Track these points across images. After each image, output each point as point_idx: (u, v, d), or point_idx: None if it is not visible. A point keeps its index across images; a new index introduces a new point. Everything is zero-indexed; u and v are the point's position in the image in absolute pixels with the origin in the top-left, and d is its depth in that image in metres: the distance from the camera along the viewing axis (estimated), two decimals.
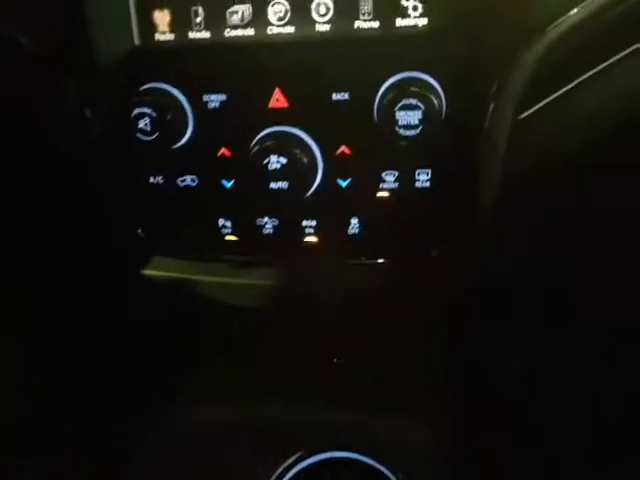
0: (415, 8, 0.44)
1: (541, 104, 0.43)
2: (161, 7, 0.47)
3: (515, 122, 0.43)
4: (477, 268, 0.49)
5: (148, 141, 0.46)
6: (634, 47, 0.42)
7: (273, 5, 0.46)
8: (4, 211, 0.56)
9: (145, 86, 0.47)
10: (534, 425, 0.55)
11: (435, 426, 0.54)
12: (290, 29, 0.46)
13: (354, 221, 0.50)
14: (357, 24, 0.45)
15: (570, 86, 0.43)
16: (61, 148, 0.50)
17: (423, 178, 0.46)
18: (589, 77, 0.43)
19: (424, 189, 0.46)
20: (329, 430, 0.52)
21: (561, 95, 0.44)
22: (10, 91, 0.49)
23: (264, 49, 0.46)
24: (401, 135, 0.42)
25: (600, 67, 0.43)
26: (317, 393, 0.57)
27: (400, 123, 0.42)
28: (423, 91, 0.42)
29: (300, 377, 0.59)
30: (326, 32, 0.45)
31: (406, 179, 0.46)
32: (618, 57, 0.43)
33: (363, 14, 0.44)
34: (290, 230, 0.51)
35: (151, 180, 0.51)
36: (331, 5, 0.45)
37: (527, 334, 0.55)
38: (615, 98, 0.44)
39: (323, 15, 0.45)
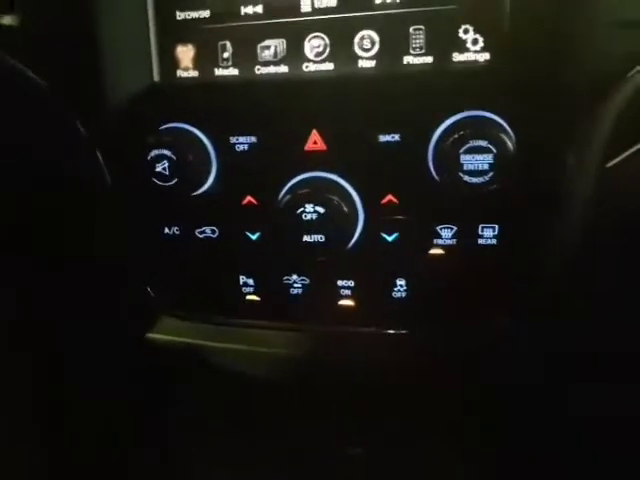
0: (475, 42, 0.38)
1: (630, 151, 0.35)
2: (184, 42, 0.43)
3: (601, 171, 0.35)
4: (550, 344, 0.40)
5: (166, 187, 0.41)
6: None
7: (310, 40, 0.41)
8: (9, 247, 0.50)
9: (164, 126, 0.42)
10: None
11: None
12: (329, 65, 0.41)
13: (400, 282, 0.43)
14: (407, 59, 0.40)
15: None
16: (72, 191, 0.45)
17: (488, 234, 0.39)
18: None
19: (489, 247, 0.39)
20: None
21: None
22: (25, 130, 0.46)
23: (300, 87, 0.41)
24: (465, 182, 0.35)
25: None
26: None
27: (465, 168, 0.35)
28: (493, 132, 0.35)
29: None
30: (370, 70, 0.40)
31: (467, 235, 0.40)
32: None
33: (414, 48, 0.39)
34: (323, 291, 0.45)
35: (166, 231, 0.46)
36: (377, 39, 0.39)
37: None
38: None
39: (367, 50, 0.40)
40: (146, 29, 0.43)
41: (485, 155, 0.34)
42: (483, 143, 0.34)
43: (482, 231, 0.39)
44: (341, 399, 0.47)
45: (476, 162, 0.35)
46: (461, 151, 0.35)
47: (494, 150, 0.34)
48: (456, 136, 0.35)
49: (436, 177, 0.37)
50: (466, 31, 0.38)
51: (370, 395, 0.47)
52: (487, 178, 0.35)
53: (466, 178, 0.35)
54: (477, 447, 0.51)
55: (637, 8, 0.35)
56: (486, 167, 0.35)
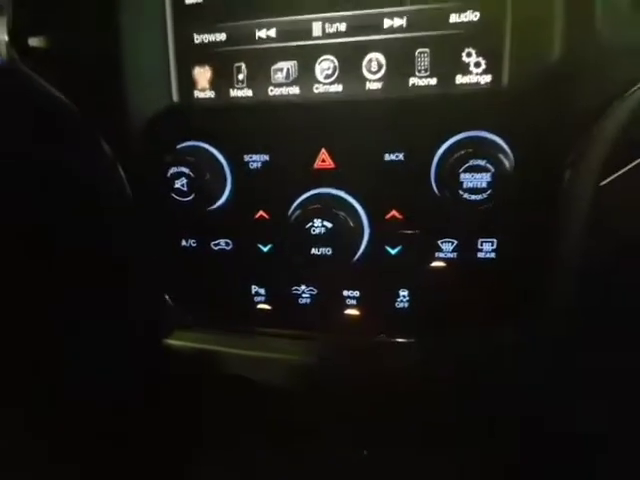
0: (477, 65, 0.39)
1: (624, 169, 0.36)
2: (202, 64, 0.45)
3: (596, 189, 0.36)
4: (548, 356, 0.41)
5: (183, 202, 0.43)
6: None
7: (321, 62, 0.42)
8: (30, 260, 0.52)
9: (182, 144, 0.44)
10: None
11: None
12: (338, 87, 0.42)
13: (403, 293, 0.44)
14: (412, 81, 0.41)
15: None
16: (95, 204, 0.47)
17: (487, 248, 0.41)
18: None
19: (487, 260, 0.40)
20: None
21: None
22: (51, 147, 0.48)
23: (310, 108, 0.43)
24: (465, 199, 0.37)
25: None
26: None
27: (465, 186, 0.36)
28: (492, 152, 0.36)
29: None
30: (377, 91, 0.41)
31: (467, 249, 0.41)
32: None
33: (419, 71, 0.41)
34: (330, 301, 0.46)
35: (183, 243, 0.48)
36: (383, 62, 0.41)
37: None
38: None
39: (375, 72, 0.41)
40: (166, 52, 0.44)
41: (483, 174, 0.36)
42: (482, 162, 0.36)
43: (481, 245, 0.40)
44: (347, 404, 0.48)
45: (475, 180, 0.36)
46: (461, 170, 0.36)
47: (492, 169, 0.36)
48: (456, 155, 0.37)
49: (437, 194, 0.38)
50: (469, 54, 0.39)
51: (375, 401, 0.48)
52: (485, 195, 0.36)
53: (465, 195, 0.36)
54: (478, 454, 0.51)
55: (632, 35, 0.36)
56: (484, 185, 0.36)
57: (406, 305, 0.44)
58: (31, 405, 0.54)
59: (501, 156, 0.36)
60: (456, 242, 0.41)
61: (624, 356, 0.43)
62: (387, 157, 0.40)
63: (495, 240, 0.40)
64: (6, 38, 0.48)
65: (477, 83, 0.39)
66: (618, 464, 0.47)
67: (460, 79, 0.40)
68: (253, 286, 0.48)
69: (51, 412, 0.55)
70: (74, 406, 0.56)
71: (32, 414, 0.54)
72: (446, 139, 0.38)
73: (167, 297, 0.50)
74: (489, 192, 0.36)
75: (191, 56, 0.45)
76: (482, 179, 0.36)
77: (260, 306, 0.48)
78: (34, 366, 0.53)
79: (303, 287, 0.46)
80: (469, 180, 0.36)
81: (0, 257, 0.46)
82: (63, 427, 0.55)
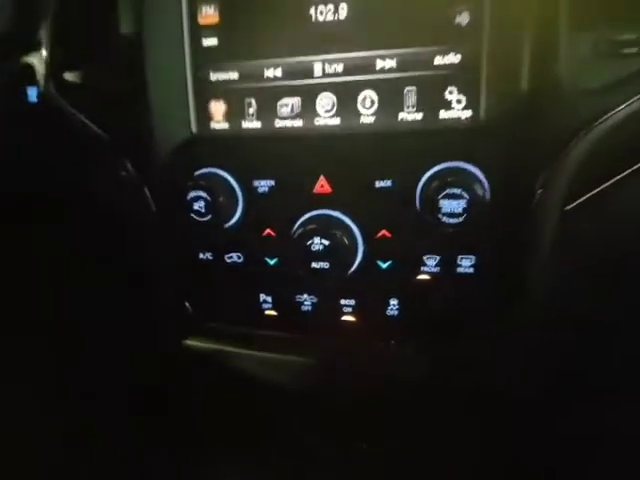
0: (459, 101, 0.44)
1: (587, 196, 0.41)
2: (217, 98, 0.50)
3: (562, 213, 0.41)
4: (521, 360, 0.45)
5: (201, 221, 0.47)
6: None
7: (321, 98, 0.47)
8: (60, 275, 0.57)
9: (200, 171, 0.48)
10: None
11: None
12: (336, 120, 0.47)
13: (393, 302, 0.49)
14: (401, 116, 0.45)
15: (615, 179, 0.41)
16: (122, 227, 0.52)
17: (466, 264, 0.45)
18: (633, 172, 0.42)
19: (467, 275, 0.45)
20: None
21: (607, 188, 0.42)
22: (84, 172, 0.53)
23: (311, 139, 0.47)
24: (444, 222, 0.41)
25: None
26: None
27: (443, 211, 0.41)
28: (467, 181, 0.41)
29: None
30: (370, 124, 0.46)
31: (448, 264, 0.45)
32: None
33: (407, 107, 0.45)
34: (328, 308, 0.50)
35: (200, 256, 0.52)
36: (376, 98, 0.45)
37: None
38: None
39: (368, 107, 0.46)
40: (185, 88, 0.49)
41: (459, 200, 0.40)
42: (457, 191, 0.40)
43: (461, 261, 0.45)
44: (342, 400, 0.53)
45: (452, 206, 0.40)
46: (439, 197, 0.41)
47: (467, 197, 0.40)
48: (436, 184, 0.41)
49: (421, 216, 0.43)
50: (451, 92, 0.44)
51: (370, 401, 0.52)
52: (461, 219, 0.40)
53: (444, 219, 0.41)
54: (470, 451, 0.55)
55: (592, 78, 0.41)
56: (460, 210, 0.40)
57: (396, 313, 0.48)
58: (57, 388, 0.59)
59: (476, 185, 0.41)
60: (439, 258, 0.45)
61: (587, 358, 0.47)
62: (377, 184, 0.45)
63: (473, 257, 0.44)
64: (45, 72, 0.54)
65: (458, 118, 0.44)
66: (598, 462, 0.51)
67: (443, 114, 0.44)
68: (261, 294, 0.52)
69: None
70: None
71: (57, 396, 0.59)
72: (429, 169, 0.43)
73: (187, 304, 0.55)
74: (465, 216, 0.40)
75: (208, 92, 0.49)
76: (458, 205, 0.40)
77: (267, 312, 0.52)
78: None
79: (305, 296, 0.50)
80: (447, 206, 0.40)
81: (49, 267, 0.52)
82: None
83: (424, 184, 0.43)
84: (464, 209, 0.40)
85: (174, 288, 0.54)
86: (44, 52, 0.52)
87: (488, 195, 0.42)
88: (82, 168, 0.53)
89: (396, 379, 0.50)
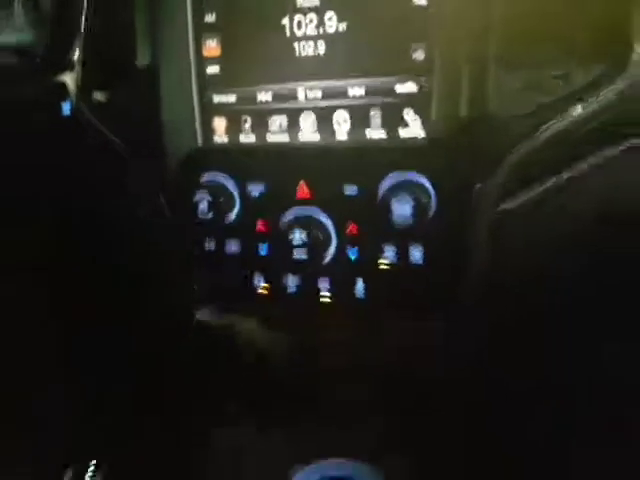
0: (415, 121, 0.52)
1: (518, 199, 0.49)
2: (219, 116, 0.58)
3: (495, 214, 0.49)
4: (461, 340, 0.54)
5: (205, 219, 0.56)
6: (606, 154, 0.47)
7: (304, 118, 0.55)
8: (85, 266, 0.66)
9: (204, 177, 0.57)
10: None
11: None
12: (316, 136, 0.55)
13: (360, 285, 0.56)
14: (368, 134, 0.53)
15: (542, 188, 0.50)
16: (140, 226, 0.61)
17: (416, 255, 0.53)
18: (558, 180, 0.50)
19: (417, 264, 0.53)
20: None
21: (535, 193, 0.50)
22: (108, 178, 0.61)
23: (295, 150, 0.56)
24: (396, 222, 0.50)
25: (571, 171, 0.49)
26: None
27: (395, 213, 0.50)
28: (415, 188, 0.50)
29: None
30: (343, 140, 0.55)
31: (402, 254, 0.54)
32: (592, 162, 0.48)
33: (373, 126, 0.53)
34: (309, 289, 0.58)
35: (206, 246, 0.60)
36: (348, 118, 0.54)
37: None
38: (587, 199, 0.50)
39: (341, 126, 0.54)
40: (193, 108, 0.58)
41: (407, 205, 0.49)
42: (405, 196, 0.49)
43: (412, 253, 0.53)
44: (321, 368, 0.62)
45: (402, 209, 0.49)
46: (392, 201, 0.50)
47: (413, 202, 0.49)
48: (391, 190, 0.50)
49: (380, 216, 0.52)
50: (408, 114, 0.52)
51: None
52: (410, 220, 0.49)
53: (396, 219, 0.50)
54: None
55: (516, 106, 0.49)
56: (408, 214, 0.49)
57: (362, 295, 0.56)
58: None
59: (421, 191, 0.49)
60: (395, 249, 0.53)
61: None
62: (346, 190, 0.53)
63: (422, 249, 0.53)
64: (76, 90, 0.63)
65: (414, 135, 0.52)
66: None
67: (402, 132, 0.52)
68: (255, 276, 0.59)
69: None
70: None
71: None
72: (386, 177, 0.51)
73: (195, 286, 0.63)
74: (412, 219, 0.49)
75: (211, 112, 0.58)
76: (407, 209, 0.49)
77: (260, 291, 0.59)
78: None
79: (290, 278, 0.58)
80: (398, 209, 0.49)
81: (80, 254, 0.61)
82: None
83: (383, 190, 0.52)
84: (411, 212, 0.50)
85: (186, 273, 0.63)
86: (76, 72, 0.59)
87: (434, 200, 0.51)
88: (105, 176, 0.62)
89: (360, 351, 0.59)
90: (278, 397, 0.63)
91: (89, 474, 0.62)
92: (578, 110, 0.47)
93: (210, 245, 0.60)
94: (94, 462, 0.62)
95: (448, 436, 0.59)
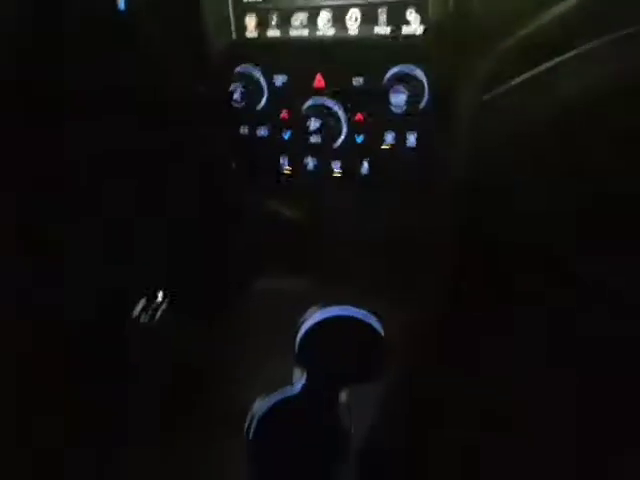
0: (416, 20, 0.59)
1: (501, 89, 0.55)
2: (250, 13, 0.67)
3: (480, 103, 0.56)
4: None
5: (239, 107, 0.67)
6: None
7: (322, 15, 0.63)
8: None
9: (238, 68, 0.67)
10: None
11: None
12: (331, 31, 0.63)
13: (365, 165, 0.66)
14: (376, 30, 0.61)
15: (521, 79, 0.56)
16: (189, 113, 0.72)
17: (411, 140, 0.63)
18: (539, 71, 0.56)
19: (411, 147, 0.63)
20: None
21: (517, 83, 0.57)
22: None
23: (313, 44, 0.64)
24: (393, 109, 0.60)
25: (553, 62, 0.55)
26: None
27: (392, 101, 0.59)
28: (409, 80, 0.58)
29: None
30: (355, 35, 0.62)
31: (400, 139, 0.63)
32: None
33: (380, 23, 0.60)
34: (324, 168, 0.67)
35: (240, 131, 0.70)
36: (360, 16, 0.62)
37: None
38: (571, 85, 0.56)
39: (353, 22, 0.62)
40: (227, 7, 0.66)
41: (402, 94, 0.58)
42: (401, 87, 0.58)
43: (408, 137, 0.62)
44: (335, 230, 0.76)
45: (397, 99, 0.58)
46: (390, 92, 0.59)
47: (407, 92, 0.58)
48: (390, 81, 0.59)
49: (383, 104, 0.61)
50: (411, 13, 0.59)
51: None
52: (404, 109, 0.58)
53: (393, 108, 0.59)
54: None
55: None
56: (402, 103, 0.58)
57: (367, 172, 0.65)
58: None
59: (415, 82, 0.57)
60: (394, 134, 0.63)
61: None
62: (354, 80, 0.62)
63: (415, 134, 0.62)
64: None
65: (414, 32, 0.59)
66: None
67: (405, 29, 0.59)
68: (280, 157, 0.68)
69: None
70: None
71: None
72: (388, 69, 0.59)
73: (234, 164, 0.74)
74: (406, 107, 0.58)
75: (243, 9, 0.66)
76: (402, 98, 0.58)
77: (284, 170, 0.69)
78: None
79: (309, 159, 0.67)
80: (394, 98, 0.58)
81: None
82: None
83: (386, 80, 0.61)
84: (405, 101, 0.59)
85: (225, 153, 0.75)
86: None
87: (427, 90, 0.60)
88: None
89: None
90: (293, 255, 0.77)
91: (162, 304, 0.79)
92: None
93: (244, 129, 0.70)
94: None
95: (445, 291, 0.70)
